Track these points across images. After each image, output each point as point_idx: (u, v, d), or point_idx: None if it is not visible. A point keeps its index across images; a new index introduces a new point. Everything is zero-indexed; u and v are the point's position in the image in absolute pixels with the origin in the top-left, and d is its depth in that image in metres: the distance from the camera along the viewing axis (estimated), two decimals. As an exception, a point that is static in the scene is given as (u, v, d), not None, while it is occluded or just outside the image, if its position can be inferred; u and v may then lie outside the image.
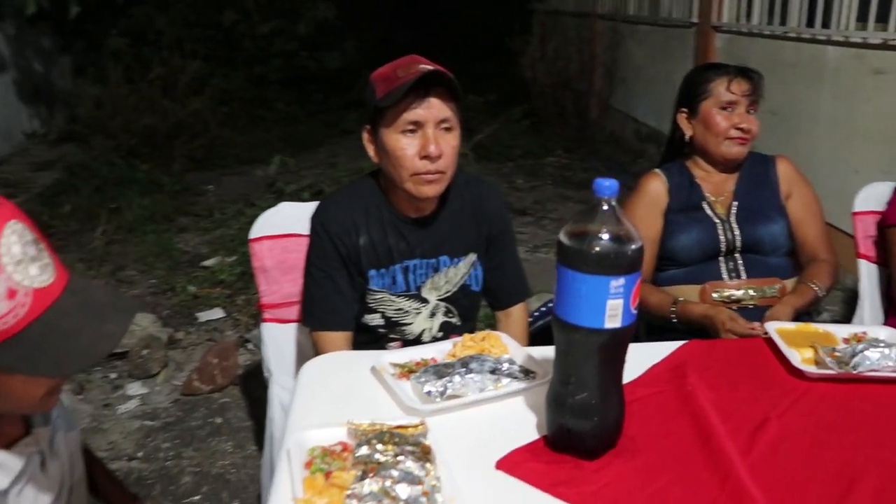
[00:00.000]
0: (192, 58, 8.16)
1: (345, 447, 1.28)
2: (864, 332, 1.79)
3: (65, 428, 1.37)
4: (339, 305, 1.97)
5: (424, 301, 2.03)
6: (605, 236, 1.20)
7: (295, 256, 2.15)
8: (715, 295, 2.23)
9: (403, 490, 1.13)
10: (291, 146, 7.80)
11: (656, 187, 2.36)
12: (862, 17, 4.40)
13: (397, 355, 1.68)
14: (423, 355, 1.68)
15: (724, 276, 2.27)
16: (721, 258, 2.28)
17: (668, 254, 2.32)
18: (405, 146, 1.83)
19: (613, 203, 1.22)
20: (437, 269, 2.02)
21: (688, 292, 2.26)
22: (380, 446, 1.22)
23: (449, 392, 1.48)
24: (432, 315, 2.05)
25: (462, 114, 1.90)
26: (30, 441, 1.24)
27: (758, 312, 2.14)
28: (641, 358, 1.66)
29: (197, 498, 2.71)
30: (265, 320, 2.23)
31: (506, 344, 1.70)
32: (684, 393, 1.54)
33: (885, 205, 2.39)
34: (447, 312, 2.06)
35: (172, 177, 6.66)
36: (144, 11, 8.66)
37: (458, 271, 2.04)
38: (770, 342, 1.76)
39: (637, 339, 2.00)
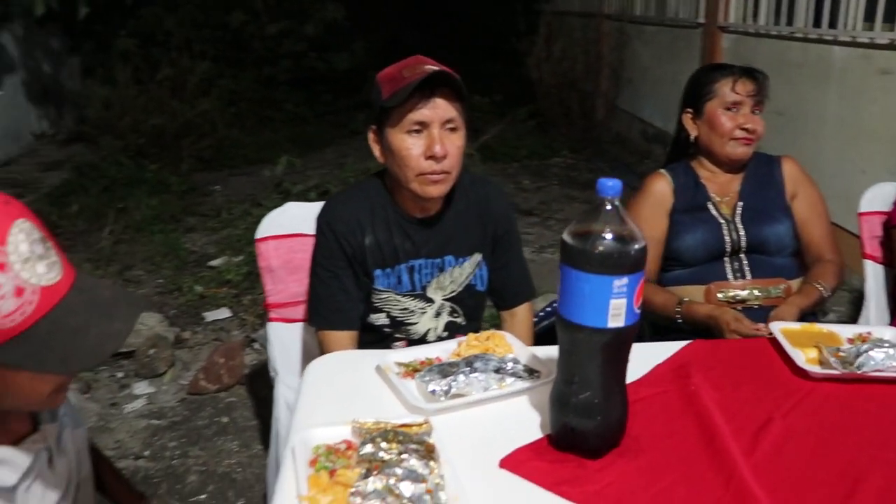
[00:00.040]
0: (201, 58, 8.17)
1: (349, 445, 1.28)
2: (869, 333, 1.79)
3: (72, 425, 1.38)
4: (345, 305, 1.98)
5: (430, 301, 2.04)
6: (609, 236, 1.21)
7: (301, 256, 2.16)
8: (720, 295, 2.23)
9: (407, 488, 1.14)
10: (299, 147, 7.81)
11: (661, 187, 2.37)
12: (869, 18, 4.39)
13: (402, 354, 1.69)
14: (428, 354, 1.69)
15: (729, 276, 2.27)
16: (726, 258, 2.28)
17: (674, 254, 2.32)
18: (410, 146, 1.84)
19: (617, 203, 1.22)
20: (442, 269, 2.03)
21: (693, 293, 2.27)
22: (384, 444, 1.23)
23: (453, 391, 1.49)
24: (437, 315, 2.06)
25: (467, 114, 1.91)
26: (37, 438, 1.25)
27: (763, 313, 2.14)
28: (645, 358, 1.66)
29: (203, 497, 2.72)
30: (271, 320, 2.24)
31: (510, 343, 1.71)
32: (688, 393, 1.54)
33: (891, 205, 2.39)
34: (452, 312, 2.07)
35: (180, 177, 6.68)
36: (153, 12, 8.69)
37: (464, 271, 2.05)
38: (774, 342, 1.76)
39: (642, 339, 2.01)
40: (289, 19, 9.62)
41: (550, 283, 3.43)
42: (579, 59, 8.40)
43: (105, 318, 1.11)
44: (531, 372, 1.56)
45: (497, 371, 1.54)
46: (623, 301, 1.22)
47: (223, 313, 4.16)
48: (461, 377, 1.51)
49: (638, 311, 1.25)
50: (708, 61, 6.09)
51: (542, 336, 2.31)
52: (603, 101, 8.37)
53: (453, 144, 1.85)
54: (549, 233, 5.45)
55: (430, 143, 1.82)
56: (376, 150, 1.95)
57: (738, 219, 2.30)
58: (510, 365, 1.56)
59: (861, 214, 2.49)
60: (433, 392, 1.49)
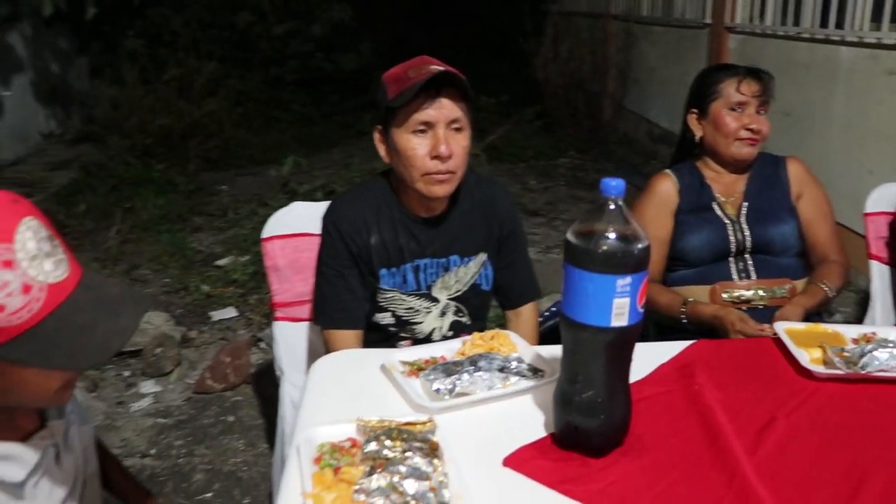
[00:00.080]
0: (208, 59, 8.19)
1: (354, 443, 1.29)
2: (874, 333, 1.79)
3: (78, 422, 1.39)
4: (350, 304, 1.99)
5: (435, 300, 2.05)
6: (612, 235, 1.21)
7: (307, 256, 2.16)
8: (725, 295, 2.23)
9: (411, 485, 1.14)
10: (306, 147, 7.82)
11: (666, 188, 2.37)
12: (876, 18, 4.38)
13: (407, 353, 1.70)
14: (433, 353, 1.69)
15: (734, 276, 2.27)
16: (731, 259, 2.28)
17: (679, 254, 2.32)
18: (416, 146, 1.84)
19: (620, 202, 1.23)
20: (447, 269, 2.03)
21: (698, 293, 2.27)
22: (388, 442, 1.23)
23: (457, 390, 1.49)
24: (442, 314, 2.06)
25: (473, 114, 1.91)
26: (45, 434, 1.26)
27: (768, 313, 2.14)
28: (649, 357, 1.67)
29: (209, 495, 2.73)
30: (277, 319, 2.25)
31: (515, 343, 1.71)
32: (692, 392, 1.54)
33: (897, 205, 2.39)
34: (457, 311, 2.08)
35: (187, 177, 6.70)
36: (160, 13, 8.71)
37: (469, 271, 2.06)
38: (779, 342, 1.76)
39: (647, 339, 2.01)
40: (296, 20, 9.64)
41: (556, 283, 3.41)
42: (586, 59, 8.40)
43: (111, 316, 1.12)
44: (535, 371, 1.57)
45: (501, 370, 1.54)
46: (626, 300, 1.22)
47: (229, 313, 4.18)
48: (465, 376, 1.51)
49: (641, 311, 1.26)
50: (715, 62, 6.09)
51: (547, 336, 2.31)
52: (609, 101, 8.37)
53: (458, 144, 1.86)
54: (555, 233, 5.45)
55: (435, 143, 1.83)
56: (382, 150, 1.96)
57: (743, 219, 2.30)
58: (514, 364, 1.57)
59: (867, 215, 2.48)
60: (437, 391, 1.49)
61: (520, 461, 1.31)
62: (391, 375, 1.59)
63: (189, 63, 7.83)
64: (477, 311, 2.12)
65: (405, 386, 1.52)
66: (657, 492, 1.24)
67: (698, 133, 2.37)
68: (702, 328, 2.17)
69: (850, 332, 1.80)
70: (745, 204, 2.33)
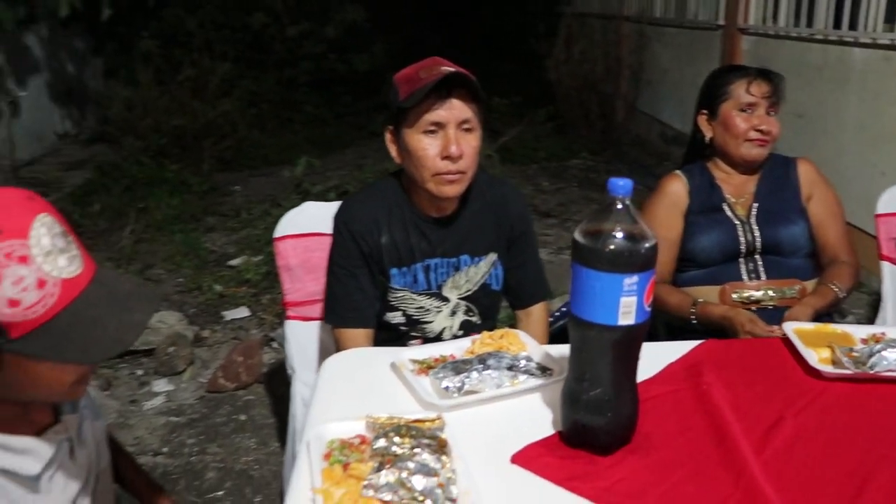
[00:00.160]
0: (222, 60, 8.22)
1: (363, 440, 1.30)
2: (883, 333, 1.79)
3: (91, 417, 1.41)
4: (361, 303, 2.00)
5: (445, 300, 2.06)
6: (619, 234, 1.22)
7: (318, 255, 2.18)
8: (734, 296, 2.24)
9: (419, 481, 1.15)
10: (319, 148, 7.84)
11: (677, 188, 2.37)
12: (889, 19, 4.37)
13: (417, 352, 1.71)
14: (442, 352, 1.70)
15: (744, 277, 2.27)
16: (741, 259, 2.29)
17: (689, 255, 2.33)
18: (427, 146, 1.86)
19: (627, 202, 1.24)
20: (457, 268, 2.05)
21: (707, 293, 2.27)
22: (397, 439, 1.25)
23: (466, 388, 1.51)
24: (453, 313, 2.07)
25: (483, 115, 1.93)
26: (59, 429, 1.28)
27: (777, 313, 2.14)
28: (658, 357, 1.67)
29: (220, 493, 2.75)
30: (289, 318, 2.27)
31: (524, 342, 1.72)
32: (700, 391, 1.55)
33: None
34: (468, 311, 2.09)
35: (201, 177, 6.72)
36: (175, 14, 8.74)
37: (479, 270, 2.07)
38: (787, 342, 1.76)
39: (657, 340, 2.02)
40: (309, 21, 9.66)
41: (568, 284, 3.41)
42: (599, 60, 8.39)
43: (124, 310, 1.14)
44: (544, 370, 1.58)
45: (510, 368, 1.55)
46: (633, 299, 1.23)
47: (242, 312, 4.20)
48: (474, 374, 1.52)
49: (648, 309, 1.27)
50: (727, 63, 6.07)
51: (557, 336, 2.31)
52: (622, 103, 8.36)
53: (469, 145, 1.87)
54: (567, 234, 5.45)
55: (445, 144, 1.84)
56: (393, 151, 1.97)
57: (753, 220, 2.30)
58: (523, 363, 1.58)
59: (878, 216, 2.48)
60: (446, 389, 1.51)
61: (527, 458, 1.32)
62: (401, 373, 1.60)
63: (203, 64, 7.85)
64: (487, 311, 2.13)
65: (414, 384, 1.54)
66: (664, 489, 1.25)
67: (708, 134, 2.37)
68: (711, 329, 2.17)
69: (859, 332, 1.80)
70: (756, 205, 2.33)
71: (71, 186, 6.47)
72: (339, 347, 1.99)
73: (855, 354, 1.65)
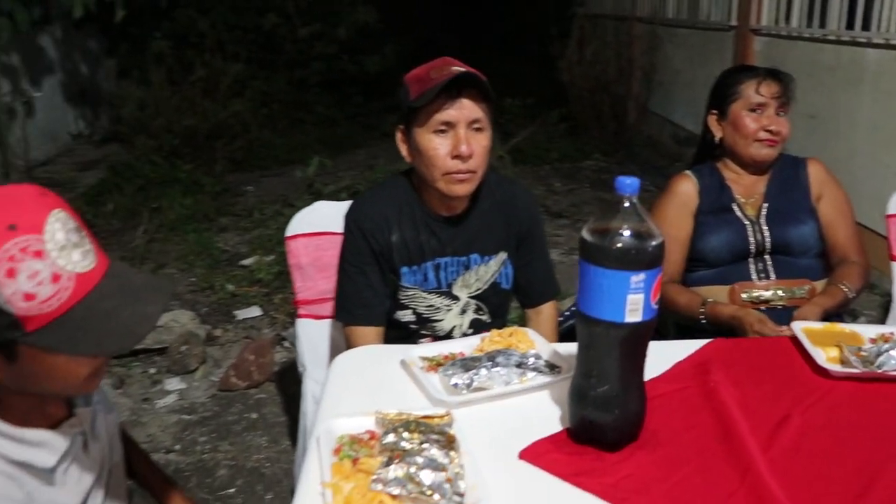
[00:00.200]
0: (234, 60, 8.25)
1: (372, 435, 1.32)
2: (892, 333, 1.79)
3: (104, 411, 1.43)
4: (371, 301, 2.02)
5: (455, 298, 2.07)
6: (627, 232, 1.23)
7: (330, 254, 2.19)
8: (744, 295, 2.24)
9: (427, 476, 1.17)
10: (330, 148, 7.86)
11: (686, 188, 2.38)
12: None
13: (426, 349, 1.72)
14: (452, 349, 1.71)
15: (754, 277, 2.27)
16: (750, 259, 2.29)
17: (698, 255, 2.33)
18: (437, 146, 1.87)
19: (635, 200, 1.25)
20: (467, 267, 2.06)
21: (717, 293, 2.27)
22: (406, 434, 1.26)
23: (475, 384, 1.52)
24: (463, 312, 2.08)
25: (493, 115, 1.94)
26: (74, 422, 1.30)
27: (786, 313, 2.15)
28: (666, 355, 1.68)
29: (232, 490, 2.77)
30: (300, 316, 2.28)
31: (532, 340, 1.73)
32: (707, 389, 1.55)
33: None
34: (477, 309, 2.10)
35: (213, 177, 6.75)
36: (187, 15, 8.77)
37: (489, 269, 2.08)
38: (796, 341, 1.77)
39: (667, 339, 2.02)
40: (321, 22, 9.67)
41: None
42: (611, 62, 8.38)
43: (137, 303, 1.15)
44: (552, 367, 1.59)
45: (518, 366, 1.56)
46: (640, 296, 1.24)
47: (254, 311, 4.22)
48: (483, 371, 1.54)
49: (655, 307, 1.27)
50: (740, 64, 6.06)
51: (567, 335, 2.32)
52: (634, 104, 8.34)
53: (479, 144, 1.88)
54: (578, 235, 5.43)
55: (456, 143, 1.85)
56: (404, 150, 1.99)
57: (762, 220, 2.31)
58: (532, 360, 1.59)
59: (889, 216, 2.48)
60: (455, 385, 1.52)
61: (535, 454, 1.33)
62: (410, 370, 1.61)
63: (215, 64, 7.88)
64: (497, 310, 2.14)
65: (424, 381, 1.55)
66: (670, 485, 1.26)
67: (718, 134, 2.38)
68: (721, 328, 2.17)
69: (867, 331, 1.80)
70: (766, 205, 2.33)
71: (84, 186, 6.51)
72: (349, 345, 2.00)
73: (863, 354, 1.65)
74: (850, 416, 1.48)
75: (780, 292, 2.24)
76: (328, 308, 2.21)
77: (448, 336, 2.08)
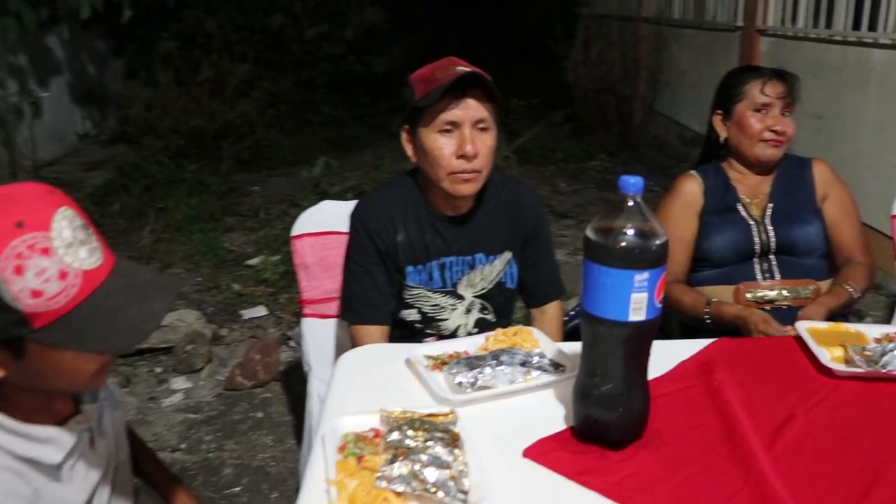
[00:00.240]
0: (241, 61, 8.27)
1: (377, 433, 1.32)
2: (896, 332, 1.79)
3: (110, 407, 1.44)
4: (377, 300, 2.02)
5: (460, 297, 2.07)
6: (631, 231, 1.24)
7: (335, 253, 2.20)
8: (749, 295, 2.24)
9: (432, 473, 1.17)
10: (337, 149, 7.87)
11: (691, 188, 2.38)
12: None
13: (431, 348, 1.73)
14: (456, 348, 1.72)
15: (758, 277, 2.28)
16: (755, 259, 2.29)
17: (703, 255, 2.33)
18: (442, 145, 1.87)
19: (639, 199, 1.25)
20: (472, 267, 2.06)
21: (722, 293, 2.27)
22: (410, 432, 1.26)
23: (479, 383, 1.52)
24: (468, 311, 2.09)
25: (498, 115, 1.94)
26: (80, 419, 1.30)
27: (791, 313, 2.15)
28: (670, 354, 1.68)
29: (237, 489, 2.77)
30: (305, 315, 2.29)
31: (537, 339, 1.73)
32: (711, 389, 1.56)
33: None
34: (482, 309, 2.10)
35: (220, 177, 6.77)
36: (194, 15, 8.79)
37: (494, 269, 2.08)
38: (800, 341, 1.77)
39: (671, 339, 2.02)
40: (328, 22, 9.69)
41: (583, 283, 3.44)
42: (617, 62, 8.38)
43: (144, 300, 1.16)
44: (556, 366, 1.59)
45: (523, 364, 1.57)
46: (644, 295, 1.24)
47: (260, 311, 4.23)
48: (488, 370, 1.54)
49: (659, 306, 1.28)
50: (746, 64, 6.06)
51: (572, 335, 2.32)
52: (640, 104, 8.34)
53: (484, 144, 1.89)
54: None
55: (461, 143, 1.86)
56: (409, 150, 1.99)
57: (767, 220, 2.31)
58: (536, 359, 1.59)
59: (894, 217, 2.48)
60: (460, 384, 1.52)
61: (539, 452, 1.34)
62: (415, 369, 1.62)
63: (222, 65, 7.90)
64: (502, 309, 2.15)
65: (429, 379, 1.56)
66: (674, 484, 1.26)
67: (723, 134, 2.38)
68: (725, 328, 2.17)
69: (872, 331, 1.80)
70: (770, 205, 2.33)
71: (91, 186, 6.53)
72: (354, 344, 2.01)
73: (867, 353, 1.65)
74: (854, 415, 1.48)
75: (784, 292, 2.24)
76: (334, 307, 2.22)
77: (453, 335, 2.08)
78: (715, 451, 1.35)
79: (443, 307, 2.07)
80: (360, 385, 1.62)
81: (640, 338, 1.30)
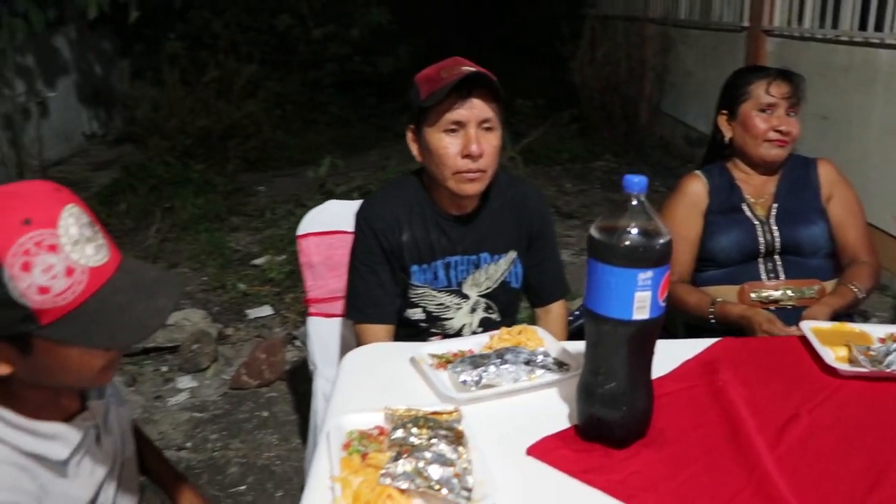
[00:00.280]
0: (247, 61, 8.29)
1: (381, 431, 1.33)
2: (901, 332, 1.79)
3: (116, 404, 1.45)
4: (382, 299, 2.03)
5: (465, 297, 2.08)
6: (634, 230, 1.24)
7: (340, 253, 2.20)
8: (753, 295, 2.24)
9: (436, 471, 1.18)
10: (343, 149, 7.88)
11: (696, 188, 2.38)
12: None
13: (436, 347, 1.73)
14: (461, 347, 1.73)
15: (763, 277, 2.27)
16: (760, 259, 2.29)
17: (708, 255, 2.33)
18: (447, 145, 1.88)
19: (643, 198, 1.26)
20: (477, 266, 2.07)
21: (726, 293, 2.27)
22: (415, 430, 1.27)
23: (484, 381, 1.53)
24: (473, 310, 2.09)
25: (503, 114, 1.95)
26: (87, 415, 1.31)
27: (796, 313, 2.14)
28: (674, 354, 1.68)
29: (243, 488, 2.78)
30: (311, 314, 2.30)
31: (541, 338, 1.74)
32: (715, 388, 1.56)
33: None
34: (487, 308, 2.11)
35: (226, 177, 6.79)
36: (201, 16, 8.81)
37: (499, 268, 2.09)
38: (804, 340, 1.77)
39: (676, 338, 2.03)
40: (334, 23, 9.70)
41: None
42: (623, 63, 8.38)
43: (150, 297, 1.17)
44: (560, 365, 1.60)
45: (527, 363, 1.57)
46: (648, 294, 1.25)
47: (265, 311, 4.24)
48: (492, 368, 1.54)
49: (663, 304, 1.28)
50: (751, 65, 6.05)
51: (576, 334, 2.33)
52: (646, 105, 8.34)
53: (489, 144, 1.89)
54: (589, 235, 5.44)
55: (466, 143, 1.86)
56: (414, 149, 2.00)
57: (772, 220, 2.30)
58: (540, 358, 1.59)
59: (899, 217, 2.48)
60: (464, 382, 1.53)
61: (543, 450, 1.34)
62: (420, 367, 1.62)
63: (229, 65, 7.92)
64: (507, 308, 2.15)
65: (433, 377, 1.56)
66: (677, 483, 1.26)
67: (728, 134, 2.38)
68: (730, 328, 2.17)
69: (876, 331, 1.80)
70: (775, 205, 2.33)
71: (98, 186, 6.55)
72: (359, 343, 2.01)
73: (872, 353, 1.65)
74: (857, 414, 1.48)
75: (789, 292, 2.24)
76: (339, 306, 2.22)
77: (458, 334, 2.09)
78: (718, 450, 1.36)
79: (448, 306, 2.07)
80: (364, 383, 1.62)
81: (643, 336, 1.30)
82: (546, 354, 1.62)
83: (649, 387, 1.37)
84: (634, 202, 1.26)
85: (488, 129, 1.89)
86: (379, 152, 8.11)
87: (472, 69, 1.85)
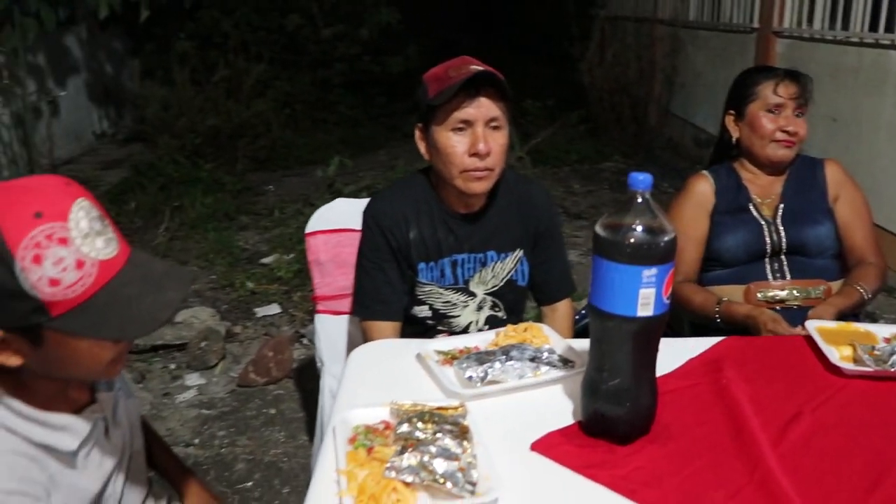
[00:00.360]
0: (257, 61, 8.32)
1: (387, 426, 1.34)
2: (907, 333, 1.79)
3: (125, 396, 1.46)
4: (389, 296, 2.04)
5: (472, 294, 2.09)
6: (639, 227, 1.25)
7: (348, 251, 2.21)
8: (759, 295, 2.24)
9: (440, 465, 1.19)
10: (352, 148, 7.90)
11: (703, 188, 2.38)
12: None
13: (442, 343, 1.74)
14: (467, 343, 1.74)
15: (769, 277, 2.28)
16: (766, 259, 2.29)
17: (714, 254, 2.34)
18: (455, 144, 1.89)
19: (648, 196, 1.26)
20: (484, 264, 2.07)
21: (732, 292, 2.28)
22: (420, 424, 1.28)
23: (489, 378, 1.54)
24: (479, 308, 2.10)
25: (511, 113, 1.96)
26: (96, 408, 1.33)
27: (801, 313, 2.15)
28: (679, 352, 1.69)
29: (250, 484, 2.80)
30: (318, 312, 2.31)
31: (547, 335, 1.75)
32: (719, 386, 1.56)
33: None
34: (493, 306, 2.11)
35: (235, 176, 6.82)
36: (211, 15, 8.84)
37: (505, 266, 2.09)
38: (809, 340, 1.77)
39: (681, 337, 2.03)
40: (344, 23, 9.72)
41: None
42: (632, 64, 8.37)
43: (158, 289, 1.18)
44: (566, 362, 1.60)
45: (532, 360, 1.58)
46: (652, 291, 1.26)
47: (273, 309, 4.26)
48: (497, 364, 1.55)
49: (667, 301, 1.29)
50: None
51: (582, 333, 2.33)
52: (655, 106, 8.33)
53: (496, 142, 1.90)
54: (596, 236, 5.44)
55: (473, 141, 1.87)
56: (422, 148, 2.01)
57: (779, 220, 2.31)
58: (545, 354, 1.60)
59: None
60: (470, 378, 1.54)
61: (547, 446, 1.35)
62: (426, 364, 1.63)
63: (238, 65, 7.95)
64: (513, 306, 2.16)
65: (439, 373, 1.57)
66: (681, 479, 1.27)
67: (735, 134, 2.38)
68: (736, 328, 2.18)
69: (881, 330, 1.80)
70: (782, 205, 2.33)
71: (108, 185, 6.58)
72: (366, 340, 2.02)
73: (876, 353, 1.65)
74: (861, 413, 1.49)
75: (795, 292, 2.24)
76: (346, 304, 2.23)
77: (464, 332, 2.09)
78: (722, 447, 1.36)
79: (454, 304, 2.08)
80: (371, 379, 1.63)
81: (648, 333, 1.31)
82: (551, 351, 1.63)
83: (653, 383, 1.38)
84: (639, 199, 1.26)
85: (496, 127, 1.90)
86: (388, 152, 8.12)
87: (480, 68, 1.86)
